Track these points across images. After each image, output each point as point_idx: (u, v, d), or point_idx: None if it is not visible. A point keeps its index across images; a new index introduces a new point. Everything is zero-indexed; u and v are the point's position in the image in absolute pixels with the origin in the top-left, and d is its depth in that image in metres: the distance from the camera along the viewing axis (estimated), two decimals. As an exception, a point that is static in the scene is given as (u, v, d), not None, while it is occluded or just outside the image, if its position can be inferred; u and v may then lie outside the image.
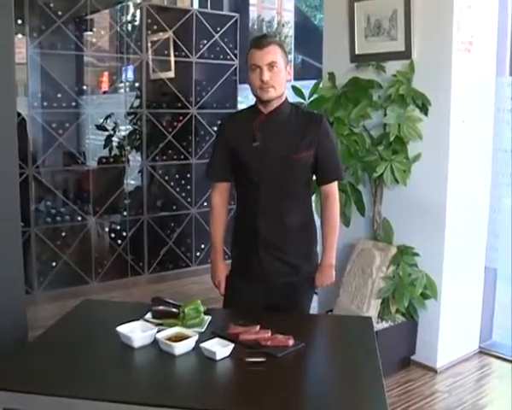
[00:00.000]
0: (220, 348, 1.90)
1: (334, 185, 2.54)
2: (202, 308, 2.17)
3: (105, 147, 5.31)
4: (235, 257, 2.60)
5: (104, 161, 5.23)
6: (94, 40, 5.12)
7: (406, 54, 3.55)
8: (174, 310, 2.18)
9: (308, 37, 9.48)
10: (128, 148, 5.34)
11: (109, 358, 1.97)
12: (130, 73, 5.49)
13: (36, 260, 4.74)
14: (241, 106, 5.76)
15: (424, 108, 3.51)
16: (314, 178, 2.56)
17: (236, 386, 1.81)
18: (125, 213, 5.30)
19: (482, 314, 3.92)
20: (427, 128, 3.50)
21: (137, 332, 2.01)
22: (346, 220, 3.75)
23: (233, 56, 5.79)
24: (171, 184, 5.56)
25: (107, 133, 5.30)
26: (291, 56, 9.07)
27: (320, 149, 2.44)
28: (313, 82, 3.92)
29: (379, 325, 3.52)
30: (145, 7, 5.22)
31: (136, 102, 5.36)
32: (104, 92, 5.60)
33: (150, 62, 5.35)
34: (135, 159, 5.45)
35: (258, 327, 2.08)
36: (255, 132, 2.40)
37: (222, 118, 2.84)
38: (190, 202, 5.63)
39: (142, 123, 5.28)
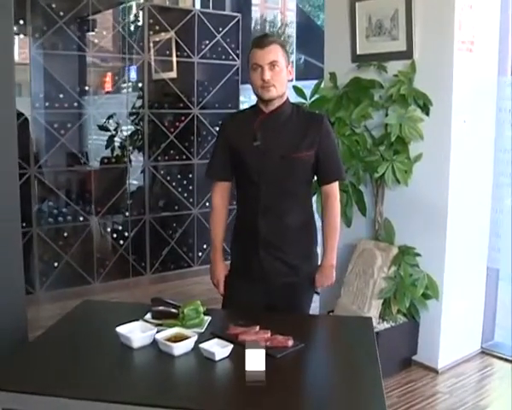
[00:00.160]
0: (219, 349, 1.90)
1: (335, 185, 2.54)
2: (202, 309, 2.17)
3: (107, 147, 5.32)
4: (234, 257, 2.60)
5: (106, 161, 5.24)
6: (96, 41, 5.13)
7: (407, 54, 3.55)
8: (174, 311, 2.18)
9: (310, 37, 9.49)
10: (130, 148, 5.34)
11: (108, 358, 1.97)
12: (132, 74, 5.50)
13: (38, 261, 4.75)
14: (243, 106, 5.77)
15: (425, 108, 3.50)
16: (315, 178, 2.56)
17: (235, 387, 1.80)
18: (127, 214, 5.30)
19: (484, 315, 3.91)
20: (429, 128, 3.49)
21: (137, 333, 2.01)
22: (347, 220, 3.75)
23: (235, 56, 5.79)
24: (173, 184, 5.56)
25: (109, 133, 5.31)
26: (293, 56, 9.07)
27: (321, 150, 2.44)
28: (316, 82, 3.92)
29: (380, 326, 3.51)
30: (147, 7, 5.23)
31: (138, 103, 5.36)
32: (106, 92, 5.60)
33: (152, 63, 5.36)
34: (137, 159, 5.46)
35: (257, 328, 2.08)
36: (256, 132, 2.40)
37: (223, 118, 2.84)
38: (192, 203, 5.64)
39: (144, 123, 5.29)
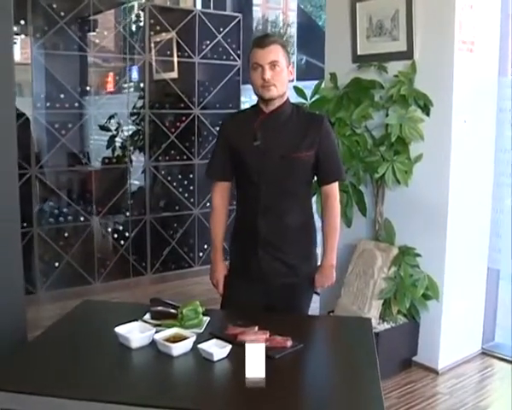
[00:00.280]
0: (218, 350, 1.90)
1: (335, 186, 2.54)
2: (201, 309, 2.17)
3: (108, 147, 5.32)
4: (233, 257, 2.60)
5: (107, 161, 5.24)
6: (97, 41, 5.13)
7: (408, 54, 3.55)
8: (172, 311, 2.18)
9: (312, 37, 9.48)
10: (131, 148, 5.35)
11: (107, 359, 1.97)
12: (133, 74, 5.50)
13: (39, 261, 4.75)
14: (244, 106, 5.77)
15: (426, 109, 3.50)
16: (315, 179, 2.56)
17: (234, 387, 1.80)
18: (127, 214, 5.31)
19: (485, 315, 3.90)
20: (429, 129, 3.49)
21: (135, 333, 2.01)
22: (347, 221, 3.74)
23: (236, 57, 5.79)
24: (174, 184, 5.56)
25: (110, 134, 5.31)
26: (294, 56, 9.06)
27: (321, 150, 2.44)
28: (316, 82, 3.92)
29: (380, 326, 3.51)
30: (148, 7, 5.23)
31: (140, 103, 5.37)
32: (107, 93, 5.61)
33: (153, 63, 5.36)
34: (138, 159, 5.47)
35: (256, 328, 2.08)
36: (256, 132, 2.40)
37: (223, 118, 2.84)
38: (193, 203, 5.64)
39: (145, 123, 5.29)
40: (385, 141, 3.58)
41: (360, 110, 3.62)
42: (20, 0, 4.36)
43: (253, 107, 2.53)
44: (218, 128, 2.71)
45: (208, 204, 5.46)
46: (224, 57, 5.74)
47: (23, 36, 4.68)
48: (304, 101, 3.80)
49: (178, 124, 5.50)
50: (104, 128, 5.26)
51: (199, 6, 7.07)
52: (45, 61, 4.76)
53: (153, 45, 5.36)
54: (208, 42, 5.59)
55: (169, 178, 5.54)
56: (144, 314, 2.20)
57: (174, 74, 5.53)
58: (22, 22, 4.55)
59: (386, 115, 3.55)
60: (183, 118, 5.52)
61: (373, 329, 3.29)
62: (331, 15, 4.15)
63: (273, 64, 2.33)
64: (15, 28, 4.57)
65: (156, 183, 5.55)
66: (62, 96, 4.82)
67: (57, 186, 4.97)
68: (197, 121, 5.57)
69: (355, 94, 3.69)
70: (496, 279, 3.94)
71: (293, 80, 2.62)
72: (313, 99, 3.82)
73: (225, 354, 1.91)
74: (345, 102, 3.72)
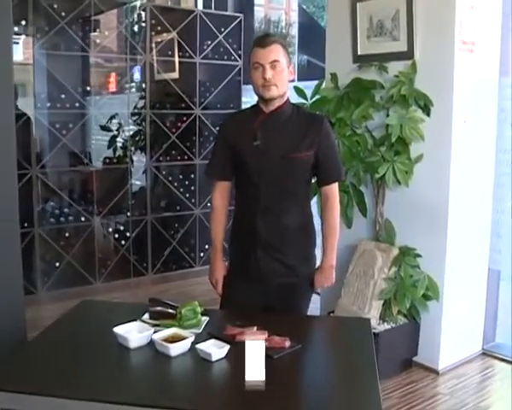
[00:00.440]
0: (216, 350, 1.90)
1: (335, 186, 2.54)
2: (199, 309, 2.17)
3: (109, 147, 5.32)
4: (232, 257, 2.60)
5: (108, 161, 5.25)
6: (98, 41, 5.13)
7: (408, 54, 3.54)
8: (171, 311, 2.18)
9: (314, 37, 9.48)
10: (132, 148, 5.35)
11: (105, 359, 1.97)
12: (134, 74, 5.51)
13: (40, 261, 4.76)
14: (245, 106, 5.76)
15: (426, 109, 3.49)
16: (314, 179, 2.56)
17: (232, 387, 1.80)
18: (128, 214, 5.31)
19: (485, 316, 3.90)
20: (430, 129, 3.49)
21: (134, 333, 2.02)
22: (348, 221, 3.74)
23: (237, 57, 5.79)
24: (175, 184, 5.56)
25: (111, 134, 5.32)
26: (294, 56, 9.07)
27: (321, 150, 2.44)
28: (317, 82, 3.92)
29: (380, 327, 3.50)
30: (149, 8, 5.23)
31: (141, 103, 5.37)
32: (108, 93, 5.61)
33: (154, 63, 5.36)
34: (139, 159, 5.47)
35: (255, 328, 2.08)
36: (256, 131, 2.40)
37: (224, 117, 2.84)
38: (194, 203, 5.64)
39: (146, 124, 5.29)
40: (385, 141, 3.57)
41: (360, 110, 3.61)
42: (21, 0, 4.37)
43: (253, 107, 2.53)
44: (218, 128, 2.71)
45: (209, 204, 5.44)
46: (225, 57, 5.74)
47: (24, 36, 4.67)
48: (304, 101, 3.80)
49: (179, 124, 5.50)
50: (105, 128, 5.26)
51: (200, 6, 7.08)
52: (46, 61, 4.76)
53: (154, 45, 5.36)
54: (209, 42, 5.58)
55: (170, 179, 5.54)
56: (143, 314, 2.20)
57: (175, 74, 5.53)
58: (23, 22, 4.55)
59: (387, 115, 3.55)
60: (184, 118, 5.52)
61: (373, 329, 3.31)
62: (332, 15, 4.14)
63: (274, 64, 2.33)
64: (16, 28, 4.59)
65: (157, 183, 5.55)
66: (63, 96, 4.83)
67: (58, 186, 4.97)
68: (198, 121, 5.57)
69: (355, 94, 3.69)
70: (496, 280, 3.93)
71: (293, 80, 2.62)
72: (314, 99, 3.81)
73: (223, 355, 1.91)
74: (345, 103, 3.71)
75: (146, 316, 2.19)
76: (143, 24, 5.31)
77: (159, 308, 2.21)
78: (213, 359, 1.88)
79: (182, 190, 5.59)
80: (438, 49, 3.45)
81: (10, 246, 2.80)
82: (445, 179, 3.49)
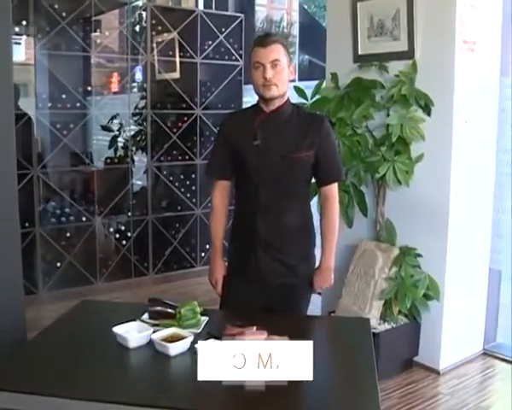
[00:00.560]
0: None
1: (335, 187, 2.54)
2: (199, 309, 2.17)
3: (110, 147, 5.33)
4: (232, 257, 2.59)
5: (109, 161, 5.25)
6: (98, 41, 5.13)
7: (409, 54, 3.54)
8: (170, 311, 2.18)
9: (315, 37, 9.46)
10: (133, 148, 5.36)
11: (105, 358, 1.97)
12: (135, 74, 5.51)
13: (41, 261, 4.77)
14: (246, 106, 5.76)
15: (427, 109, 3.49)
16: (314, 180, 2.56)
17: (232, 387, 1.80)
18: (129, 214, 5.31)
19: (486, 316, 3.89)
20: (430, 129, 3.48)
21: (133, 333, 2.02)
22: (348, 221, 3.74)
23: (238, 57, 5.79)
24: (176, 184, 5.57)
25: (112, 134, 5.32)
26: (295, 56, 9.06)
27: (320, 151, 2.44)
28: (317, 82, 3.92)
29: (381, 327, 3.50)
30: (150, 8, 5.23)
31: (142, 103, 5.38)
32: (109, 93, 5.61)
33: (155, 63, 5.36)
34: (140, 159, 5.48)
35: (254, 328, 2.07)
36: (256, 131, 2.40)
37: (223, 116, 2.84)
38: (195, 203, 5.64)
39: (147, 124, 5.30)
40: (386, 141, 3.57)
41: (361, 110, 3.61)
42: (21, 0, 4.37)
43: (253, 106, 2.53)
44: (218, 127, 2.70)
45: (210, 204, 5.46)
46: (226, 57, 5.74)
47: (25, 36, 4.68)
48: (304, 101, 3.79)
49: (180, 124, 5.51)
50: (106, 128, 5.27)
51: (201, 6, 7.07)
52: (48, 61, 4.77)
53: (155, 45, 5.37)
54: (210, 42, 5.59)
55: (171, 179, 5.55)
56: (143, 314, 2.20)
57: (176, 74, 5.54)
58: (24, 23, 4.56)
59: (387, 115, 3.55)
60: (185, 118, 5.52)
61: (374, 329, 3.32)
62: (332, 15, 4.14)
63: (274, 63, 2.33)
64: (17, 29, 4.59)
65: (158, 183, 5.56)
66: (64, 96, 4.84)
67: (59, 186, 4.97)
68: (199, 121, 5.57)
69: (356, 94, 3.68)
70: (497, 280, 3.92)
71: (294, 80, 2.62)
72: (314, 99, 3.81)
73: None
74: (346, 102, 3.71)
75: (145, 316, 2.19)
76: (144, 24, 5.31)
77: (158, 308, 2.20)
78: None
79: (183, 190, 5.59)
80: (438, 48, 3.44)
81: (10, 246, 2.80)
82: (445, 179, 3.49)
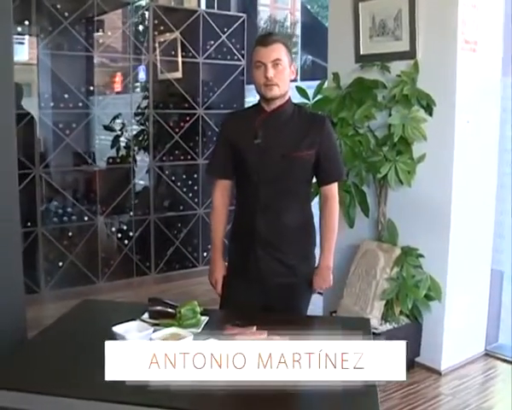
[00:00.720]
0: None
1: (335, 187, 2.54)
2: (199, 309, 2.17)
3: (112, 147, 5.34)
4: (232, 256, 2.59)
5: (111, 161, 5.26)
6: (101, 41, 5.14)
7: (411, 54, 3.53)
8: (171, 310, 2.18)
9: (318, 37, 9.46)
10: (135, 148, 5.36)
11: (104, 358, 1.97)
12: (137, 74, 5.52)
13: (43, 260, 4.78)
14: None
15: (429, 109, 3.49)
16: (315, 180, 2.56)
17: (232, 387, 1.80)
18: (131, 213, 5.32)
19: (488, 317, 3.88)
20: (432, 129, 3.48)
21: (133, 332, 2.01)
22: (350, 221, 3.73)
23: (240, 57, 5.79)
24: (178, 184, 5.57)
25: (114, 134, 5.33)
26: (297, 56, 9.06)
27: (321, 150, 2.44)
28: (319, 82, 3.92)
29: (382, 327, 3.50)
30: (152, 8, 5.24)
31: (144, 103, 5.39)
32: (112, 93, 5.62)
33: (158, 63, 5.37)
34: (142, 159, 5.48)
35: (254, 328, 2.07)
36: (257, 130, 2.40)
37: (224, 116, 2.84)
38: (197, 203, 5.65)
39: (149, 123, 5.31)
40: (387, 141, 3.57)
41: (363, 110, 3.61)
42: (24, 0, 4.38)
43: (254, 105, 2.54)
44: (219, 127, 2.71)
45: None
46: (229, 57, 5.74)
47: (28, 36, 4.69)
48: (306, 101, 3.79)
49: (182, 124, 5.52)
50: (108, 128, 5.28)
51: (203, 6, 7.08)
52: (50, 61, 4.78)
53: (157, 45, 5.37)
54: (212, 42, 5.59)
55: (173, 178, 5.55)
56: (143, 314, 2.20)
57: (178, 74, 5.54)
58: (26, 22, 4.57)
59: (389, 115, 3.55)
60: (188, 118, 5.53)
61: (375, 329, 3.32)
62: (334, 15, 4.14)
63: (276, 63, 2.33)
64: (19, 28, 4.60)
65: (160, 183, 5.57)
66: (67, 96, 4.85)
67: (61, 186, 4.98)
68: (201, 121, 5.58)
69: (358, 94, 3.68)
70: (499, 280, 3.92)
71: (295, 80, 2.62)
72: (316, 99, 3.81)
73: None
74: (347, 102, 3.71)
75: (146, 315, 2.19)
76: (147, 24, 5.32)
77: (158, 308, 2.20)
78: None
79: (185, 189, 5.60)
80: (440, 48, 3.44)
81: (11, 246, 2.80)
82: (447, 179, 3.48)
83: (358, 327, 2.28)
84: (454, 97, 3.41)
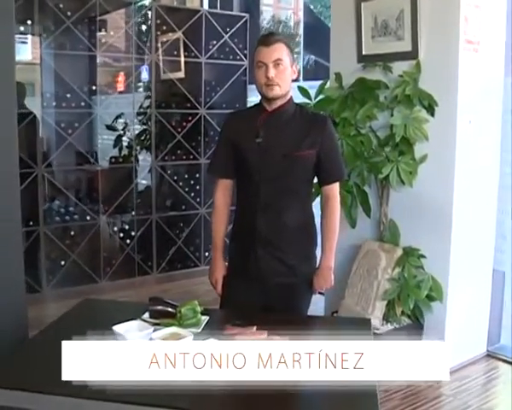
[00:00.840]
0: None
1: (336, 186, 2.54)
2: (199, 309, 2.17)
3: (114, 147, 5.35)
4: (232, 255, 2.59)
5: (113, 160, 5.27)
6: (103, 41, 5.14)
7: (413, 54, 3.53)
8: (171, 310, 2.18)
9: (321, 37, 9.46)
10: (138, 148, 5.37)
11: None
12: (140, 74, 5.53)
13: (45, 259, 4.79)
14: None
15: (431, 109, 3.48)
16: (316, 180, 2.56)
17: (232, 387, 1.80)
18: (133, 213, 5.33)
19: (490, 317, 3.87)
20: (434, 129, 3.47)
21: (133, 332, 2.01)
22: (352, 221, 3.73)
23: (242, 57, 5.79)
24: (180, 183, 5.58)
25: (117, 133, 5.34)
26: (300, 56, 9.05)
27: (322, 150, 2.44)
28: (321, 82, 3.92)
29: (384, 327, 3.49)
30: (154, 7, 5.24)
31: (146, 103, 5.40)
32: (114, 92, 5.63)
33: (160, 63, 5.38)
34: (144, 159, 5.49)
35: (254, 328, 2.08)
36: (258, 129, 2.40)
37: (226, 115, 2.85)
38: (199, 202, 5.65)
39: (151, 123, 5.31)
40: (389, 141, 3.56)
41: (365, 110, 3.60)
42: (26, 0, 4.39)
43: (255, 105, 2.54)
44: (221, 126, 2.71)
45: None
46: (231, 57, 5.75)
47: (31, 36, 4.70)
48: (308, 101, 3.79)
49: (185, 124, 5.52)
50: (111, 128, 5.28)
51: (206, 6, 7.07)
52: (53, 60, 4.79)
53: (159, 45, 5.38)
54: (215, 42, 5.60)
55: (175, 178, 5.56)
56: (143, 313, 2.20)
57: (181, 74, 5.55)
58: (29, 22, 4.58)
59: (391, 115, 3.54)
60: (190, 118, 5.53)
61: (376, 330, 3.31)
62: (336, 15, 4.14)
63: (277, 63, 2.34)
64: (22, 28, 4.61)
65: (162, 182, 5.57)
66: (69, 95, 4.86)
67: (64, 185, 5.00)
68: (203, 121, 5.58)
69: (360, 94, 3.68)
70: (501, 281, 3.91)
71: (297, 80, 2.62)
72: (318, 99, 3.81)
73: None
74: (349, 102, 3.70)
75: (146, 315, 2.20)
76: (149, 23, 5.32)
77: (159, 307, 2.21)
78: None
79: (187, 189, 5.61)
80: (442, 48, 3.43)
81: (12, 245, 2.80)
82: (449, 180, 3.47)
83: (360, 327, 2.28)
84: (456, 98, 3.40)
